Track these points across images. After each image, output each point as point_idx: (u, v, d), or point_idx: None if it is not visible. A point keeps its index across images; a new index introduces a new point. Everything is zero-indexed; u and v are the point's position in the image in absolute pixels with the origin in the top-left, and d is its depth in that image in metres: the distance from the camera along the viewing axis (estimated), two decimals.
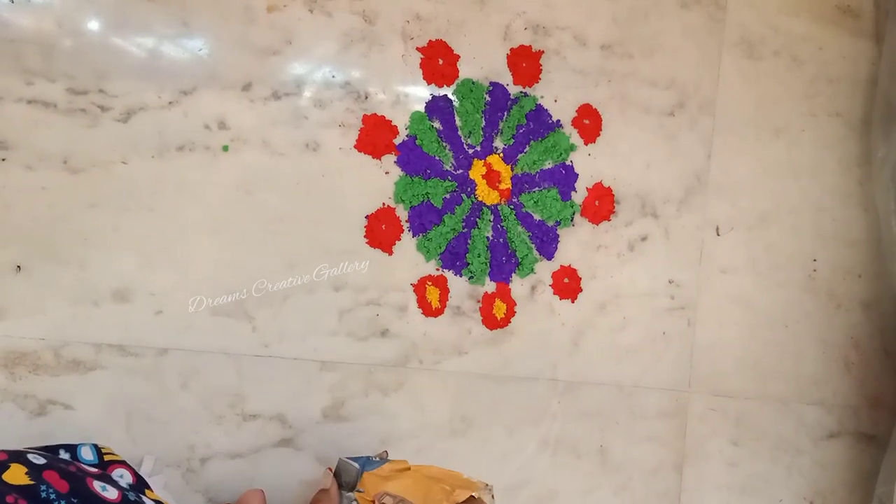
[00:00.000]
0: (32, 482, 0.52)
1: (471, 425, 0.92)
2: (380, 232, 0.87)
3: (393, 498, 0.71)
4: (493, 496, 0.74)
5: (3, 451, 0.55)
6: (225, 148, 0.82)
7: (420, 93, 0.89)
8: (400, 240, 0.88)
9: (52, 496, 0.51)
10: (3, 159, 0.75)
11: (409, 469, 0.76)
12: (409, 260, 0.89)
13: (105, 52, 0.79)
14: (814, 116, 1.08)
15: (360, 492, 0.73)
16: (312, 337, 0.86)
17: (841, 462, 1.10)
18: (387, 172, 0.88)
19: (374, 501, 0.71)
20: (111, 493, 0.57)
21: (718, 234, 1.03)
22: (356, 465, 0.76)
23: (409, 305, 0.89)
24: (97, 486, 0.57)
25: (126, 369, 0.79)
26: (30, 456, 0.55)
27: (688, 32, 1.02)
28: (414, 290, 0.89)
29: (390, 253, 0.88)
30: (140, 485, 0.65)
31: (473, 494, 0.73)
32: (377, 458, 0.78)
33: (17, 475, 0.52)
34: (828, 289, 1.09)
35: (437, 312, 0.90)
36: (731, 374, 1.04)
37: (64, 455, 0.64)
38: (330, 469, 0.76)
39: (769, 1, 1.06)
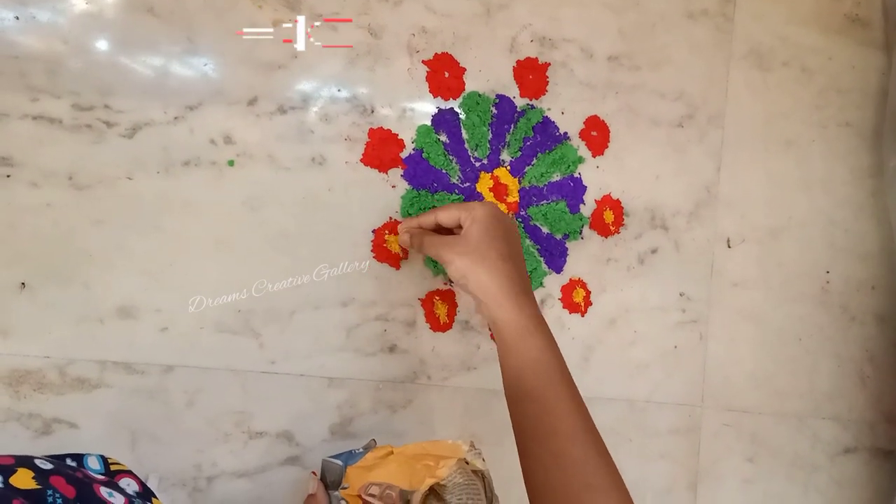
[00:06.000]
0: (39, 486, 0.51)
1: (480, 442, 0.90)
2: (387, 246, 0.87)
3: (378, 486, 0.69)
4: (479, 451, 0.72)
5: (10, 455, 0.54)
6: (231, 163, 0.82)
7: (426, 106, 0.89)
8: (407, 255, 0.88)
9: (59, 501, 0.51)
10: (8, 176, 0.75)
11: (391, 453, 0.74)
12: (417, 275, 0.88)
13: (110, 68, 0.78)
14: (824, 128, 1.08)
15: (345, 488, 0.71)
16: (320, 353, 0.84)
17: (858, 478, 1.08)
18: (393, 186, 0.87)
19: (360, 495, 0.69)
20: (118, 500, 0.56)
21: (729, 247, 1.02)
22: (339, 461, 0.74)
23: (418, 321, 0.88)
24: (104, 492, 0.56)
25: (131, 387, 0.78)
26: (37, 461, 0.54)
27: (695, 44, 1.01)
28: (422, 305, 0.88)
29: (398, 268, 0.87)
30: (147, 493, 0.64)
31: (461, 458, 0.71)
32: (361, 450, 0.76)
33: (23, 479, 0.51)
34: (841, 302, 1.07)
35: (445, 327, 0.89)
36: (744, 388, 1.02)
37: (70, 463, 0.63)
38: (314, 473, 0.74)
39: (777, 12, 1.05)
